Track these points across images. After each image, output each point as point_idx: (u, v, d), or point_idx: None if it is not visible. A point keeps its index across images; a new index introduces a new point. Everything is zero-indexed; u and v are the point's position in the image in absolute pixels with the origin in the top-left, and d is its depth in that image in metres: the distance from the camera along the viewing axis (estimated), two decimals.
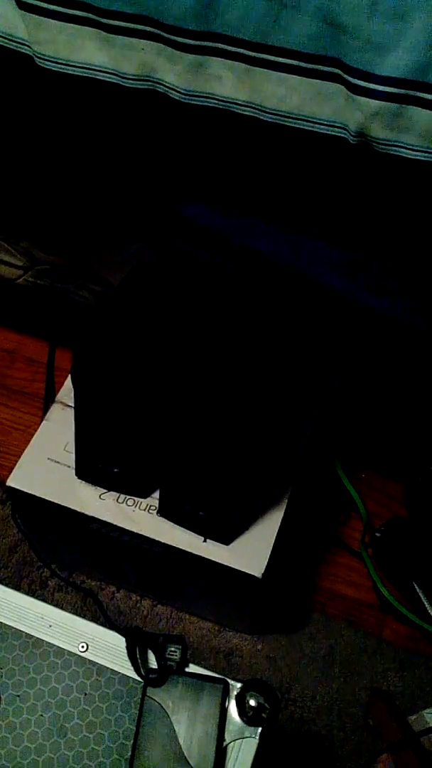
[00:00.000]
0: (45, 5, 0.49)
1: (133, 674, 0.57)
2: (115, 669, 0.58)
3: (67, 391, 0.78)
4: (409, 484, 0.95)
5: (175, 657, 0.57)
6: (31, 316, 1.04)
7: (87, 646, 0.59)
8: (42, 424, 0.76)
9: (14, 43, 0.52)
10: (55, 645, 0.59)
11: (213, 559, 0.68)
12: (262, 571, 0.67)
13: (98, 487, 0.72)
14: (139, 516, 0.70)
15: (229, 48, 0.48)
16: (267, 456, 0.75)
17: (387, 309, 0.62)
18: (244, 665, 0.83)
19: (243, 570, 0.67)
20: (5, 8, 0.51)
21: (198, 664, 0.58)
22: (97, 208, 0.68)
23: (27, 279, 0.84)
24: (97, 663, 0.58)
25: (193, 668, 0.58)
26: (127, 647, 0.57)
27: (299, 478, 0.76)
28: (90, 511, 0.70)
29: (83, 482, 0.72)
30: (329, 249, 0.58)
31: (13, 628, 0.59)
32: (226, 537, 0.69)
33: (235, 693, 0.56)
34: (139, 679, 0.56)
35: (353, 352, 0.76)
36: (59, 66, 0.52)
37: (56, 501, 0.70)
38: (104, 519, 0.69)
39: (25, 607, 0.61)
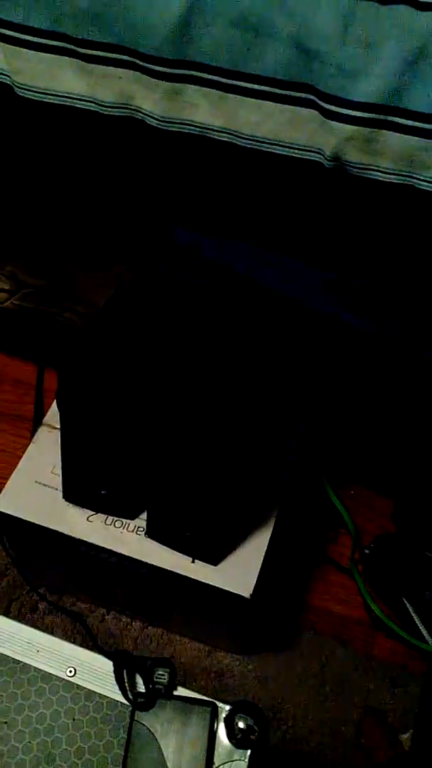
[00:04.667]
0: (23, 36, 0.50)
1: (121, 698, 0.57)
2: (104, 693, 0.58)
3: (54, 413, 0.78)
4: (397, 500, 0.95)
5: (163, 680, 0.57)
6: (19, 338, 1.04)
7: (75, 670, 0.59)
8: (29, 446, 0.76)
9: None
10: (42, 670, 0.59)
11: (201, 580, 0.68)
12: (251, 592, 0.67)
13: (86, 510, 0.72)
14: (126, 537, 0.70)
15: (205, 75, 0.48)
16: (254, 475, 0.75)
17: (367, 327, 0.63)
18: (235, 686, 0.82)
19: (231, 590, 0.67)
20: None
21: (189, 685, 0.59)
22: (79, 232, 0.69)
23: (13, 302, 0.85)
24: (85, 688, 0.58)
25: (181, 691, 0.58)
26: (115, 671, 0.57)
27: (287, 496, 0.76)
28: (77, 534, 0.70)
29: (71, 505, 0.72)
30: (309, 269, 0.59)
31: (0, 653, 0.59)
32: (214, 557, 0.69)
33: (223, 715, 0.56)
34: (127, 703, 0.56)
35: (339, 370, 0.76)
36: (38, 95, 0.52)
37: (44, 524, 0.70)
38: (92, 541, 0.69)
39: (12, 632, 0.61)
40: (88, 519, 0.71)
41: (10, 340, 1.05)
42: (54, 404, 0.79)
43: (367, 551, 0.90)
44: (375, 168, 0.48)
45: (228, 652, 0.84)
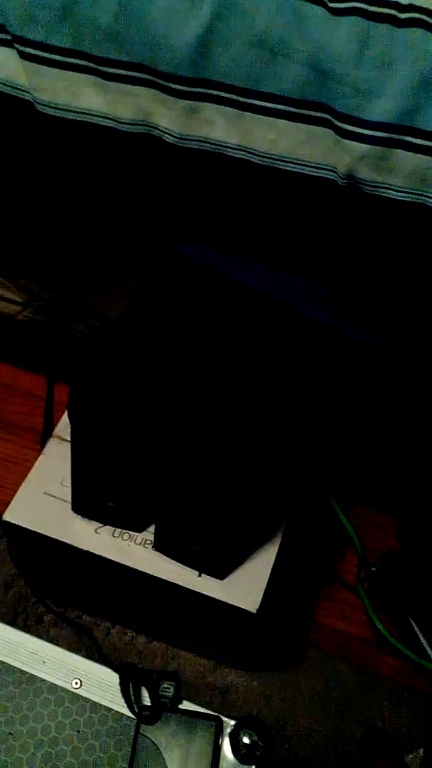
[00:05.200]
0: (45, 54, 0.51)
1: (126, 711, 0.57)
2: (109, 706, 0.58)
3: (64, 425, 0.79)
4: (403, 518, 0.95)
5: (168, 694, 0.57)
6: (30, 350, 1.05)
7: (81, 682, 0.58)
8: (39, 458, 0.76)
9: (15, 90, 0.54)
10: (48, 681, 0.58)
11: (207, 594, 0.68)
12: (257, 607, 0.67)
13: (94, 522, 0.72)
14: (134, 550, 0.70)
15: (222, 94, 0.49)
16: (261, 490, 0.75)
17: (377, 344, 0.63)
18: (239, 702, 0.82)
19: (238, 605, 0.67)
20: (7, 57, 0.52)
21: (193, 701, 0.58)
22: (94, 246, 0.70)
23: (26, 315, 0.85)
24: (91, 699, 0.58)
25: (186, 705, 0.58)
26: (121, 684, 0.57)
27: (294, 512, 0.76)
28: (85, 546, 0.70)
29: (79, 516, 0.72)
30: (320, 286, 0.59)
31: (6, 664, 0.59)
32: (220, 572, 0.69)
33: (228, 730, 0.56)
34: (132, 716, 0.56)
35: (346, 387, 0.77)
36: (58, 111, 0.53)
37: (51, 535, 0.70)
38: (99, 553, 0.69)
39: (18, 643, 0.61)
40: (96, 531, 0.71)
41: (22, 353, 1.06)
42: (64, 416, 0.79)
43: (373, 569, 0.90)
44: (388, 186, 0.49)
45: (232, 668, 0.84)
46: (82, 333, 0.86)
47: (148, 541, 0.71)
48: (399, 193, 0.49)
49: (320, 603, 0.90)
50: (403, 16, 0.44)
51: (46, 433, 0.79)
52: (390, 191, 0.49)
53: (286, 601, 0.88)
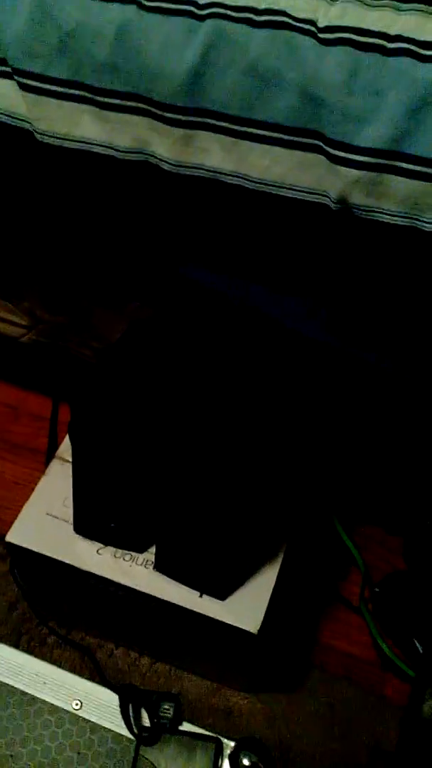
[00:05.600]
0: (44, 86, 0.53)
1: (126, 732, 0.57)
2: (109, 727, 0.58)
3: (67, 446, 0.79)
4: (408, 538, 0.95)
5: (168, 715, 0.57)
6: (35, 372, 1.06)
7: (81, 703, 0.59)
8: (42, 479, 0.77)
9: (16, 120, 0.56)
10: (49, 702, 0.59)
11: (208, 615, 0.68)
12: (258, 627, 0.67)
13: (96, 542, 0.72)
14: (135, 571, 0.70)
15: (216, 122, 0.50)
16: (262, 511, 0.75)
17: (378, 364, 0.64)
18: (243, 724, 0.82)
19: (238, 626, 0.67)
20: (7, 89, 0.54)
21: (197, 722, 0.58)
22: (96, 270, 0.71)
23: (30, 337, 0.87)
24: (91, 721, 0.58)
25: (186, 726, 0.58)
26: (120, 704, 0.57)
27: (296, 532, 0.76)
28: (87, 567, 0.70)
29: (81, 537, 0.72)
30: (316, 306, 0.60)
31: (7, 685, 0.60)
32: (221, 592, 0.69)
33: (228, 752, 0.55)
34: (132, 737, 0.56)
35: (350, 407, 0.77)
36: (57, 140, 0.55)
37: (53, 556, 0.71)
38: (101, 574, 0.70)
39: (20, 664, 0.61)
40: (97, 552, 0.72)
41: (27, 375, 1.07)
42: (67, 437, 0.80)
43: (377, 590, 0.90)
44: (380, 210, 0.49)
45: (236, 690, 0.83)
46: (85, 355, 0.87)
47: (150, 562, 0.71)
48: (391, 217, 0.50)
49: (324, 624, 0.90)
50: (391, 45, 0.45)
51: (50, 454, 0.80)
52: (382, 215, 0.50)
53: (288, 621, 0.88)
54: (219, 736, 0.56)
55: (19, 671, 0.60)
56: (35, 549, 0.71)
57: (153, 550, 0.72)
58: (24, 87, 0.53)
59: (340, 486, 0.94)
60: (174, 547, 0.69)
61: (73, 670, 0.73)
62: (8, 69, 0.53)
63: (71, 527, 0.73)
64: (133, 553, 0.72)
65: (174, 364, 0.71)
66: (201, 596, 0.69)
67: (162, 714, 0.57)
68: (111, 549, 0.72)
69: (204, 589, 0.69)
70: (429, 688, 0.68)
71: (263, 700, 0.83)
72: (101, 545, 0.72)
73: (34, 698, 0.59)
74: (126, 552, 0.72)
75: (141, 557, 0.72)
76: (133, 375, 0.69)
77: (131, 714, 0.57)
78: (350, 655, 0.88)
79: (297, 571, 0.89)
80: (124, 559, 0.71)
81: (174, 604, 0.68)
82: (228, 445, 0.65)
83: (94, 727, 0.57)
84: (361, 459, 0.88)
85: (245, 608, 0.68)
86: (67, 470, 0.75)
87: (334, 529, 0.93)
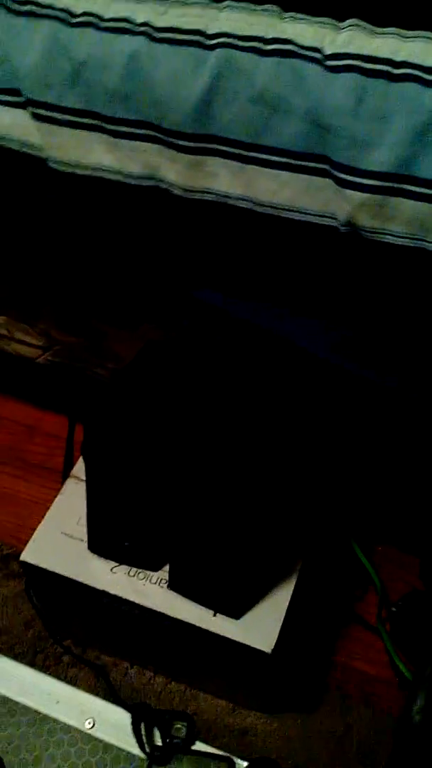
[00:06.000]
0: (57, 115, 0.54)
1: (139, 752, 0.57)
2: (122, 746, 0.58)
3: (81, 465, 0.80)
4: (425, 557, 0.94)
5: (180, 734, 0.57)
6: (51, 392, 1.07)
7: (94, 722, 0.59)
8: (57, 498, 0.78)
9: (29, 149, 0.57)
10: (62, 721, 0.59)
11: (222, 634, 0.68)
12: (272, 647, 0.67)
13: (110, 561, 0.73)
14: (149, 590, 0.71)
15: (225, 148, 0.51)
16: (276, 530, 0.75)
17: (391, 385, 0.64)
18: (258, 744, 0.81)
19: (252, 645, 0.67)
20: (21, 119, 0.56)
21: (212, 742, 0.58)
22: (109, 292, 0.72)
23: (46, 358, 0.88)
24: (104, 740, 0.58)
25: (199, 746, 0.58)
26: (132, 723, 0.57)
27: (312, 551, 0.76)
28: (101, 585, 0.71)
29: (95, 556, 0.73)
30: (327, 327, 0.60)
31: (21, 704, 0.60)
32: (235, 611, 0.69)
33: None
34: (144, 756, 0.56)
35: (366, 427, 0.77)
36: (70, 168, 0.56)
37: (68, 575, 0.71)
38: (115, 593, 0.70)
39: (34, 683, 0.61)
40: (112, 570, 0.72)
41: (43, 394, 1.08)
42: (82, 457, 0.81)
43: (394, 609, 0.89)
44: (387, 232, 0.50)
45: (251, 710, 0.83)
46: (101, 375, 0.88)
47: (164, 581, 0.71)
48: (399, 239, 0.50)
49: (341, 644, 0.89)
50: (396, 71, 0.46)
51: (66, 474, 0.80)
52: (390, 237, 0.50)
53: (304, 641, 0.87)
54: (232, 756, 0.56)
55: (33, 690, 0.60)
56: (50, 568, 0.72)
57: (167, 568, 0.72)
58: (38, 117, 0.55)
59: (356, 505, 0.94)
60: (187, 565, 0.69)
61: (88, 688, 0.73)
62: (22, 99, 0.55)
63: (86, 546, 0.73)
64: (148, 572, 0.72)
65: (187, 384, 0.72)
66: (215, 615, 0.69)
67: (174, 733, 0.57)
68: (125, 567, 0.72)
69: (218, 608, 0.69)
70: (419, 694, 0.67)
71: (279, 720, 0.83)
72: (115, 564, 0.73)
73: (47, 717, 0.59)
74: (140, 570, 0.72)
75: (155, 576, 0.72)
76: (146, 396, 0.70)
77: (143, 733, 0.57)
78: (368, 676, 0.87)
79: (313, 590, 0.88)
80: (138, 578, 0.72)
81: (187, 623, 0.69)
82: (241, 464, 0.66)
83: (107, 747, 0.58)
84: (378, 478, 0.88)
85: (259, 627, 0.68)
86: (81, 489, 0.76)
87: (350, 549, 0.93)
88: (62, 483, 0.80)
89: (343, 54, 0.47)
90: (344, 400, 0.71)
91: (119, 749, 0.57)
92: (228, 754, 0.56)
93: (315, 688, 0.85)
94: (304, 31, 0.48)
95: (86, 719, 0.58)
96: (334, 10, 0.48)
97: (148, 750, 0.56)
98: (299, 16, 0.49)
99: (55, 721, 0.58)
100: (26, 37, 0.53)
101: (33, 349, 0.87)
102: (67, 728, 0.58)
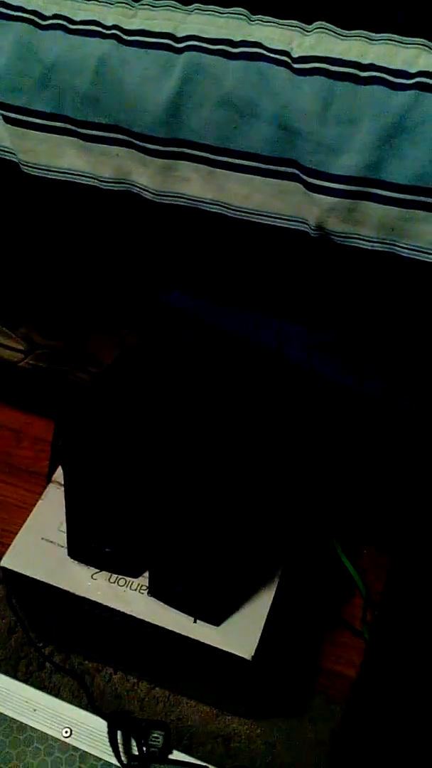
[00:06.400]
0: (28, 119, 0.54)
1: (116, 761, 0.57)
2: (98, 755, 0.57)
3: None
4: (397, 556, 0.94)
5: (157, 743, 0.57)
6: (35, 396, 1.07)
7: (71, 731, 0.58)
8: (38, 503, 0.77)
9: (1, 152, 0.57)
10: (39, 730, 0.59)
11: (202, 641, 0.67)
12: (252, 654, 0.67)
13: (91, 567, 0.72)
14: (130, 596, 0.70)
15: (195, 152, 0.51)
16: (255, 535, 0.75)
17: (365, 389, 0.63)
18: (243, 750, 0.81)
19: (232, 652, 0.67)
20: None
21: (195, 749, 0.58)
22: (88, 296, 0.71)
23: (28, 362, 0.87)
24: (80, 749, 0.58)
25: (176, 755, 0.58)
26: (109, 732, 0.57)
27: (294, 555, 0.76)
28: (81, 592, 0.70)
29: (76, 562, 0.73)
30: (303, 331, 0.60)
31: None
32: (215, 617, 0.69)
33: None
34: (120, 766, 0.56)
35: (343, 429, 0.77)
36: (42, 171, 0.56)
37: (48, 581, 0.71)
38: (95, 599, 0.70)
39: (11, 690, 0.61)
40: (92, 577, 0.72)
41: (28, 398, 1.08)
42: None
43: (376, 612, 0.89)
44: (358, 237, 0.49)
45: (236, 716, 0.83)
46: (83, 379, 0.87)
47: (144, 587, 0.71)
48: (370, 243, 0.50)
49: (326, 648, 0.89)
50: (363, 74, 0.46)
51: (50, 478, 0.80)
52: (360, 241, 0.50)
53: (287, 646, 0.87)
54: (209, 766, 0.55)
55: (9, 698, 0.60)
56: (30, 574, 0.71)
57: (147, 574, 0.71)
58: (8, 120, 0.54)
59: (340, 507, 0.93)
60: (167, 571, 0.69)
61: (71, 695, 0.73)
62: None
63: (66, 552, 0.73)
64: (128, 578, 0.72)
65: (166, 389, 0.72)
66: (195, 621, 0.69)
67: (151, 742, 0.56)
68: (106, 574, 0.72)
69: (198, 614, 0.69)
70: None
71: (263, 726, 0.83)
72: (96, 570, 0.72)
73: (23, 726, 0.58)
74: (121, 577, 0.72)
75: (136, 582, 0.72)
76: (124, 400, 0.69)
77: (120, 742, 0.57)
78: (353, 680, 0.86)
79: (296, 595, 0.88)
80: (118, 584, 0.71)
81: (168, 629, 0.68)
82: (221, 468, 0.65)
83: (84, 756, 0.57)
84: (361, 480, 0.88)
85: (240, 634, 0.68)
86: (62, 495, 0.75)
87: (334, 552, 0.92)
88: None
89: (310, 57, 0.47)
90: (323, 404, 0.70)
91: (96, 758, 0.57)
92: (205, 764, 0.56)
93: (300, 693, 0.85)
94: (272, 33, 0.48)
95: (63, 728, 0.58)
96: (301, 13, 0.48)
97: (124, 760, 0.55)
98: (267, 18, 0.48)
99: (32, 729, 0.58)
100: None
101: (15, 353, 0.86)
102: (44, 737, 0.58)
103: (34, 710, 0.59)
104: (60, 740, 0.58)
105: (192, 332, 0.65)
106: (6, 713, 0.59)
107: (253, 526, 0.75)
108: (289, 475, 0.80)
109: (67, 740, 0.57)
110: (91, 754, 0.57)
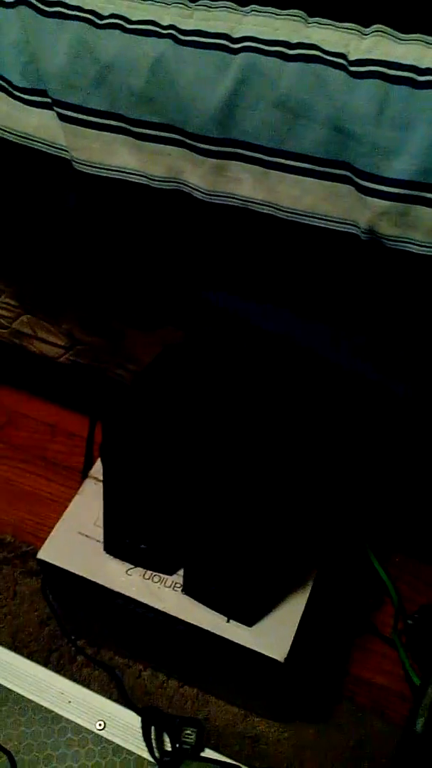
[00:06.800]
0: (82, 117, 0.54)
1: (148, 755, 0.57)
2: (131, 749, 0.58)
3: (100, 466, 0.80)
4: None
5: (190, 740, 0.57)
6: (73, 392, 1.08)
7: (104, 724, 0.59)
8: (75, 498, 0.78)
9: (56, 150, 0.58)
10: (73, 721, 0.59)
11: (235, 641, 0.67)
12: (285, 656, 0.67)
13: (126, 563, 0.73)
14: (164, 593, 0.71)
15: (248, 153, 0.51)
16: (291, 537, 0.75)
17: (407, 393, 0.63)
18: (269, 753, 0.81)
19: (265, 653, 0.67)
20: (48, 120, 0.56)
21: (223, 749, 0.58)
22: (131, 294, 0.72)
23: (68, 357, 0.88)
24: (114, 742, 0.58)
25: (208, 753, 0.58)
26: (143, 727, 0.57)
27: (327, 560, 0.76)
28: (116, 587, 0.71)
29: (111, 557, 0.73)
30: (344, 333, 0.60)
31: (34, 702, 0.60)
32: (249, 618, 0.69)
33: None
34: (153, 760, 0.56)
35: (382, 436, 0.76)
36: (94, 169, 0.56)
37: (83, 575, 0.71)
38: (129, 595, 0.70)
39: (47, 681, 0.61)
40: (127, 572, 0.72)
41: (65, 394, 1.09)
42: None
43: (410, 621, 0.88)
44: (409, 241, 0.49)
45: (264, 718, 0.83)
46: (121, 376, 0.88)
47: (178, 585, 0.71)
48: (420, 248, 0.49)
49: (356, 654, 0.88)
50: (421, 78, 0.46)
51: (85, 473, 0.81)
52: (412, 246, 0.50)
53: (318, 650, 0.86)
54: (241, 765, 0.55)
55: (46, 689, 0.60)
56: (65, 567, 0.72)
57: (182, 572, 0.72)
58: (63, 118, 0.55)
59: (374, 514, 0.93)
60: (202, 570, 0.69)
61: (101, 689, 0.73)
62: (49, 100, 0.55)
63: (102, 547, 0.73)
64: (163, 575, 0.72)
65: (206, 388, 0.72)
66: (228, 621, 0.69)
67: (184, 739, 0.57)
68: (140, 570, 0.72)
69: (231, 614, 0.69)
70: (421, 704, 0.66)
71: (291, 729, 0.82)
72: (131, 566, 0.73)
73: (58, 716, 0.59)
74: (155, 574, 0.72)
75: (170, 579, 0.72)
76: (164, 398, 0.70)
77: (153, 737, 0.57)
78: (382, 688, 0.86)
79: (328, 599, 0.88)
80: (153, 581, 0.72)
81: (201, 628, 0.68)
82: (259, 470, 0.65)
83: (117, 749, 0.58)
84: (396, 487, 0.87)
85: (273, 635, 0.68)
86: (100, 490, 0.76)
87: (367, 559, 0.92)
88: (81, 483, 0.80)
89: (367, 60, 0.47)
90: (361, 407, 0.70)
91: (129, 752, 0.57)
92: (237, 763, 0.56)
93: (328, 698, 0.85)
94: (329, 36, 0.48)
95: (97, 720, 0.59)
96: (358, 16, 0.48)
97: (157, 755, 0.56)
98: (324, 21, 0.48)
99: (67, 721, 0.59)
100: (54, 38, 0.53)
101: (56, 349, 0.87)
102: (78, 729, 0.58)
103: (69, 702, 0.60)
104: (94, 732, 0.58)
105: (235, 332, 0.65)
106: (42, 704, 0.59)
107: (289, 529, 0.75)
108: (326, 479, 0.79)
109: (101, 733, 0.58)
110: (124, 748, 0.57)
